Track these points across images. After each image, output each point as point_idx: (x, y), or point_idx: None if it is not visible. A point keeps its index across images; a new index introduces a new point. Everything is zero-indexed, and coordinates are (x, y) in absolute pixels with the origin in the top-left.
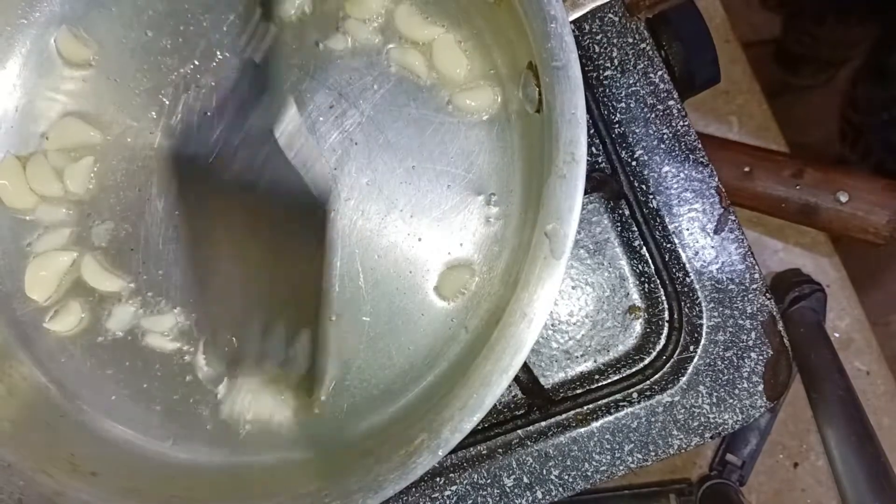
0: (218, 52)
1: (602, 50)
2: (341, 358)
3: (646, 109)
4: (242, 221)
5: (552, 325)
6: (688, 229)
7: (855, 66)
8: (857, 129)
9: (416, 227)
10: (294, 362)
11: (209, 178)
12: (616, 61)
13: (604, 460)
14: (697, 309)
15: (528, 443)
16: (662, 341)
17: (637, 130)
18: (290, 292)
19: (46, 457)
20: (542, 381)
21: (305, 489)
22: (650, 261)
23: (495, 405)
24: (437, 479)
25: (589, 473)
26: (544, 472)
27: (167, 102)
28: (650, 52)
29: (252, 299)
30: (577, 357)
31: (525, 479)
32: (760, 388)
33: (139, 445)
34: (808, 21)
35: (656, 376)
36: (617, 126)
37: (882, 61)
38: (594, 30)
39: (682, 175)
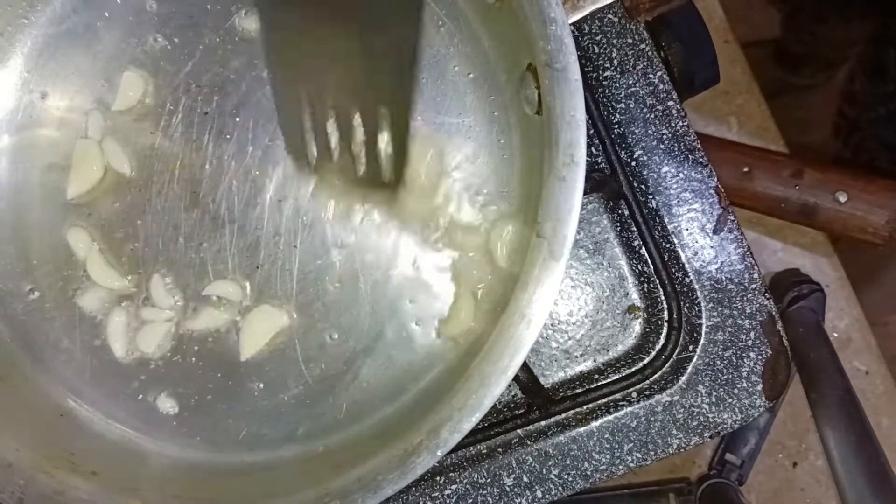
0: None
1: (601, 51)
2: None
3: (645, 110)
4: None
5: (552, 325)
6: (687, 229)
7: (853, 63)
8: (851, 124)
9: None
10: (374, 161)
11: None
12: (615, 62)
13: (603, 459)
14: (696, 309)
15: (528, 442)
16: (662, 341)
17: (636, 131)
18: (379, 85)
19: (46, 456)
20: (541, 380)
21: (305, 489)
22: (649, 261)
23: (495, 405)
24: (437, 478)
25: (588, 472)
26: (544, 471)
27: (168, 105)
28: (649, 53)
29: (342, 90)
30: (577, 357)
31: (525, 479)
32: (759, 387)
33: (139, 445)
34: (809, 19)
35: (655, 376)
36: (616, 126)
37: (879, 57)
38: (594, 30)
39: (681, 175)
